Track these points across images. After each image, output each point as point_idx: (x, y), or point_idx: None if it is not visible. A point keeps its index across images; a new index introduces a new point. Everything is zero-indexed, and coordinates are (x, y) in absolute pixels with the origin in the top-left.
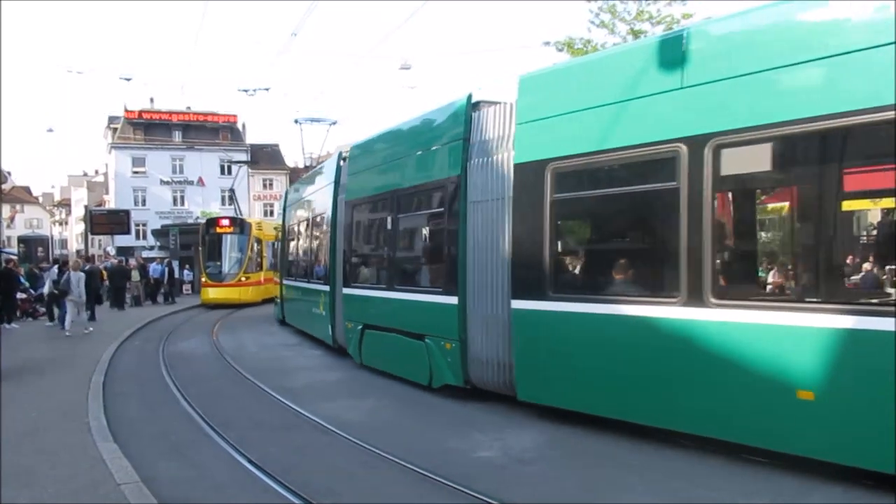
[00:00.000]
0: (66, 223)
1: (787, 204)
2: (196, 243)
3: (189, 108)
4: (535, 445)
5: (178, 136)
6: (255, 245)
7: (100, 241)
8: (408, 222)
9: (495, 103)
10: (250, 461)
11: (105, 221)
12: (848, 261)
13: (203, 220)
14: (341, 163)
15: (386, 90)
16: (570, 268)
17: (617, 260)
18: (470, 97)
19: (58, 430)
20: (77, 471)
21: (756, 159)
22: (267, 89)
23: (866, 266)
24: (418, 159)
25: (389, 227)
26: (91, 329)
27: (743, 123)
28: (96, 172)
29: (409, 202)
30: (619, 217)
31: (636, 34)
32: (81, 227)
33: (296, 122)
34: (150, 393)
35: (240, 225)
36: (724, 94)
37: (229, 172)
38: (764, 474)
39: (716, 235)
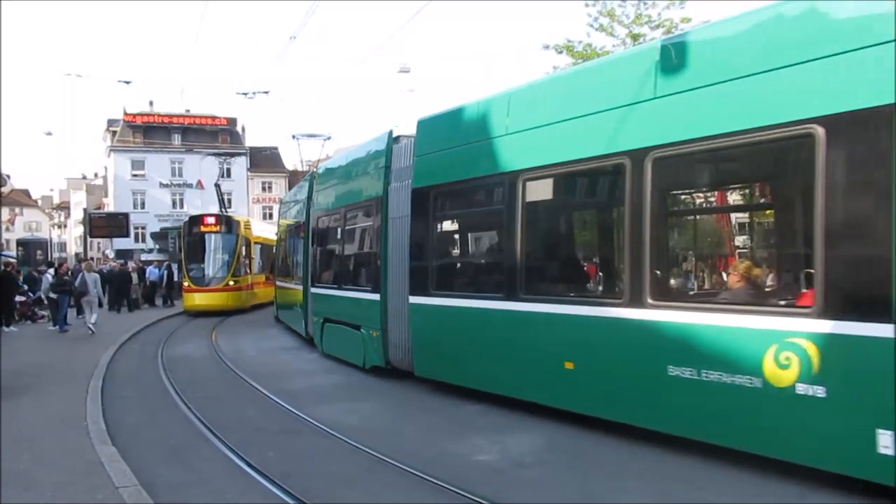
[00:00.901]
0: (65, 226)
1: (568, 223)
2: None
3: (188, 111)
4: (533, 449)
5: (177, 139)
6: (244, 246)
7: (99, 244)
8: (352, 233)
9: (409, 137)
10: (250, 465)
11: (104, 224)
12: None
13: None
14: (313, 180)
15: (385, 93)
16: (444, 271)
17: (468, 265)
18: (391, 133)
19: (56, 433)
20: (76, 474)
21: (547, 189)
22: (266, 92)
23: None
24: (358, 181)
25: (339, 236)
26: (93, 331)
27: (538, 163)
28: (95, 175)
29: (353, 216)
30: (471, 231)
31: (635, 37)
32: (80, 230)
33: (293, 137)
34: (148, 396)
35: (227, 223)
36: (530, 140)
37: (229, 176)
38: (764, 479)
39: (524, 246)
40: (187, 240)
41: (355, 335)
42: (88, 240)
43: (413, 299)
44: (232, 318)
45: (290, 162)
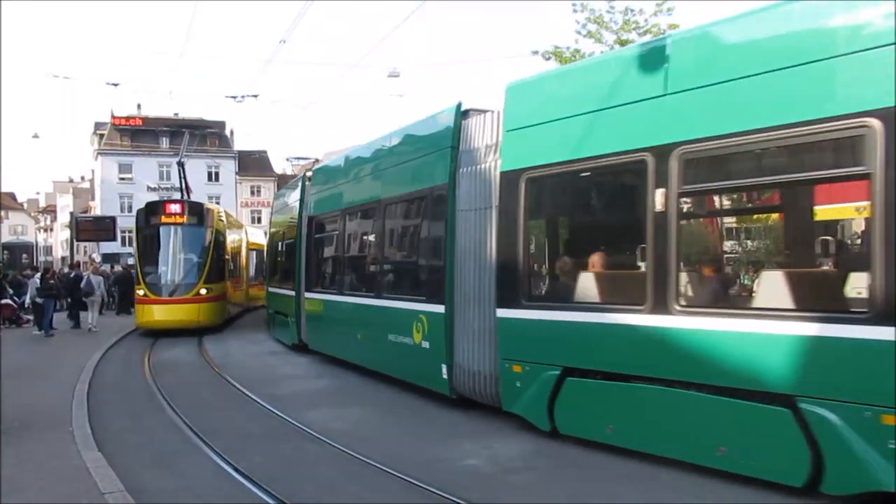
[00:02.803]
0: (51, 230)
1: (360, 244)
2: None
3: (177, 114)
4: (522, 454)
5: (165, 143)
6: (219, 243)
7: (85, 247)
8: (286, 246)
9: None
10: (237, 470)
11: (91, 228)
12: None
13: None
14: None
15: (375, 97)
16: (318, 274)
17: (326, 270)
18: (304, 176)
19: (41, 438)
20: (61, 480)
21: (355, 223)
22: (255, 96)
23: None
24: (290, 209)
25: (281, 248)
26: (97, 328)
27: (347, 205)
28: (82, 179)
29: (287, 235)
30: (326, 248)
31: (623, 44)
32: (66, 233)
33: (287, 160)
34: (135, 401)
35: (196, 213)
36: (346, 189)
37: (217, 179)
38: (752, 487)
39: (343, 257)
40: (143, 234)
41: (285, 321)
42: (75, 243)
43: (306, 294)
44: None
45: (279, 165)
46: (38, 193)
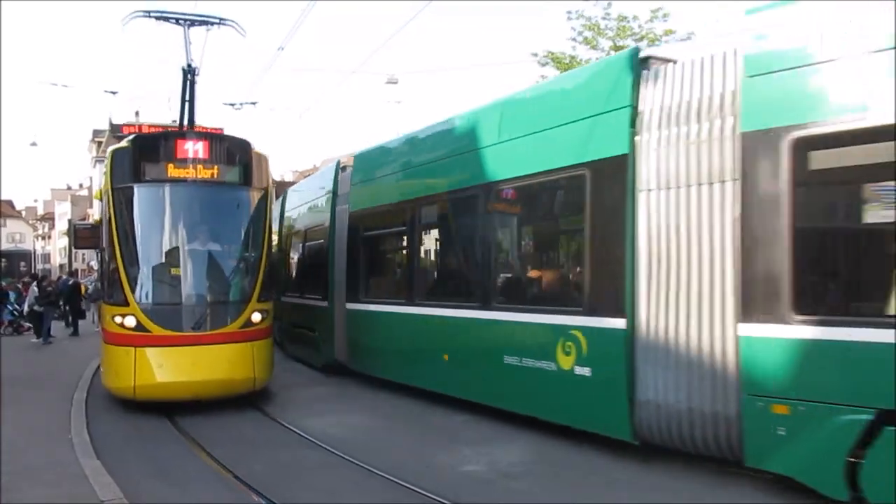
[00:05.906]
0: (49, 237)
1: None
2: None
3: (175, 121)
4: (521, 460)
5: None
6: (272, 221)
7: (83, 255)
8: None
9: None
10: (237, 478)
11: (89, 235)
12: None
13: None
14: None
15: (373, 104)
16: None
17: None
18: (280, 203)
19: (40, 446)
20: (60, 488)
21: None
22: (254, 103)
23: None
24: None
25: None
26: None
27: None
28: (80, 186)
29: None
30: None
31: (619, 49)
32: (65, 241)
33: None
34: (133, 409)
35: (241, 160)
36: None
37: None
38: (750, 490)
39: (276, 264)
40: (128, 198)
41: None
42: (73, 251)
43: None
44: None
45: (277, 172)
46: (36, 201)
